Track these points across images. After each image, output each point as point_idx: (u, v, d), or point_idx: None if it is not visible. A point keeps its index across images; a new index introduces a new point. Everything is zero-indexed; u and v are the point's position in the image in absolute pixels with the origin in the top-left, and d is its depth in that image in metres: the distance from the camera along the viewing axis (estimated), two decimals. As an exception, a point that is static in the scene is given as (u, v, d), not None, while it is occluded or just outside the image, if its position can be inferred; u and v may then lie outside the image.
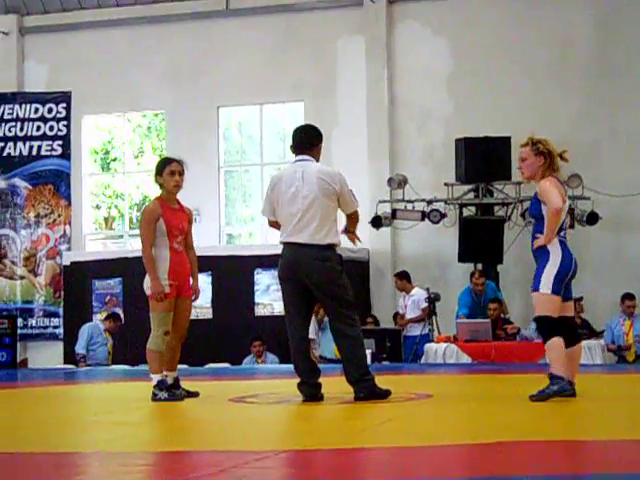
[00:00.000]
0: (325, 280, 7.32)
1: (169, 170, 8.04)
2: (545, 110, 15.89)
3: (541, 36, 16.15)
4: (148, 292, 7.88)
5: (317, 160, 7.54)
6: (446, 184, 15.35)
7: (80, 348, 14.20)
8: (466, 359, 12.65)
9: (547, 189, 7.07)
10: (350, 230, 7.69)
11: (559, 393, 6.91)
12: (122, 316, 14.82)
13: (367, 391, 7.25)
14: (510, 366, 11.61)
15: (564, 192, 7.17)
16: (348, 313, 7.39)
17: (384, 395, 7.29)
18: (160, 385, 7.80)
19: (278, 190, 7.42)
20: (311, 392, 7.36)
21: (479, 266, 14.81)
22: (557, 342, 6.99)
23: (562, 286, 7.04)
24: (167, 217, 7.94)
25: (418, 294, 14.24)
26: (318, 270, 7.29)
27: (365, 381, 7.29)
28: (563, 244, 7.08)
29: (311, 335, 13.79)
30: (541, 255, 7.10)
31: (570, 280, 7.13)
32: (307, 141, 7.54)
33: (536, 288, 7.05)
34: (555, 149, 7.21)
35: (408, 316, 14.25)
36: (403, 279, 14.64)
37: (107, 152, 18.90)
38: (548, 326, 7.05)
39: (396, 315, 14.93)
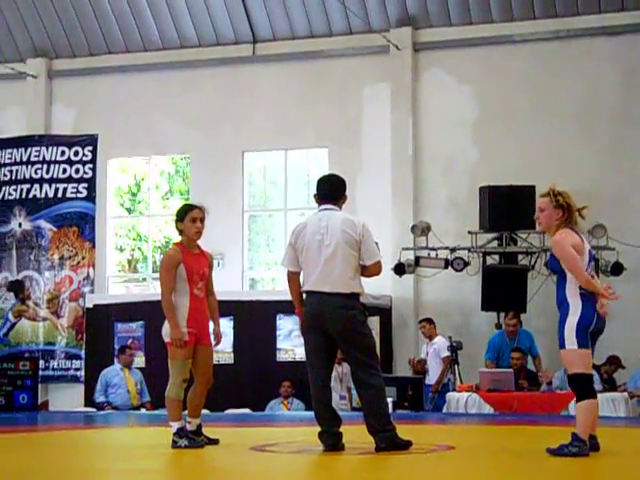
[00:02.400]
0: (348, 328, 7.30)
1: (190, 217, 8.05)
2: (570, 159, 15.87)
3: (566, 85, 16.16)
4: (167, 339, 7.87)
5: (341, 209, 7.57)
6: (470, 232, 15.32)
7: (97, 397, 14.18)
8: (488, 409, 12.55)
9: (557, 242, 6.97)
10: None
11: (577, 456, 6.72)
12: (144, 360, 14.78)
13: (388, 442, 7.20)
14: (532, 417, 11.52)
15: (581, 241, 7.01)
16: (371, 362, 7.36)
17: (405, 446, 7.24)
18: (180, 432, 7.78)
19: (303, 239, 7.42)
20: (332, 441, 7.32)
21: (514, 319, 14.49)
22: (591, 404, 6.82)
23: (587, 339, 6.83)
24: (188, 263, 7.94)
25: (440, 342, 14.17)
26: (342, 319, 7.28)
27: (386, 431, 7.24)
28: (584, 297, 6.89)
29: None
30: (560, 306, 6.96)
31: (595, 334, 6.97)
32: (333, 191, 7.58)
33: (562, 346, 6.87)
34: (575, 204, 7.11)
35: (430, 364, 14.16)
36: (432, 324, 14.56)
37: (133, 194, 18.99)
38: (582, 383, 6.83)
39: (410, 360, 14.80)
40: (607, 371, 14.08)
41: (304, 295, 7.50)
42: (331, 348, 7.43)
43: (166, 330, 7.86)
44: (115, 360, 15.12)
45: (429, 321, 14.62)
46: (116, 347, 15.52)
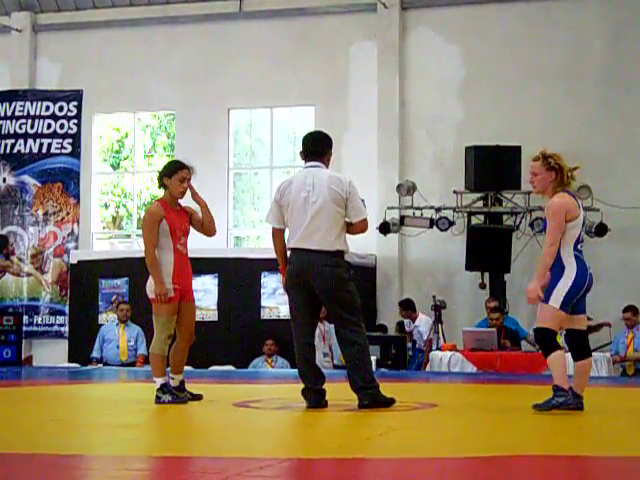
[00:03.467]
0: (333, 286, 7.30)
1: (180, 176, 7.99)
2: (556, 120, 15.87)
3: (554, 45, 16.12)
4: (151, 295, 7.85)
5: (327, 166, 7.54)
6: (455, 192, 15.33)
7: (93, 353, 14.25)
8: (471, 368, 12.63)
9: (551, 205, 7.07)
10: None
11: (564, 406, 6.93)
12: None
13: (371, 399, 7.23)
14: (515, 376, 11.60)
15: (578, 205, 7.14)
16: (354, 320, 7.37)
17: (388, 403, 7.28)
18: (164, 388, 7.79)
19: (288, 195, 7.40)
20: (315, 398, 7.34)
21: (493, 302, 14.44)
22: (558, 355, 7.01)
23: (570, 304, 7.03)
24: (170, 219, 7.91)
25: (422, 323, 14.15)
26: (326, 276, 7.28)
27: (369, 388, 7.27)
28: (579, 260, 7.06)
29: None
30: (555, 268, 7.07)
31: (585, 294, 7.12)
32: (318, 148, 7.54)
33: (547, 300, 7.02)
34: (566, 165, 7.18)
35: (419, 341, 14.16)
36: (407, 309, 14.50)
37: (117, 151, 18.92)
38: (547, 338, 7.07)
39: (402, 325, 14.83)
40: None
41: (289, 252, 7.49)
42: (315, 305, 7.44)
43: (150, 286, 7.85)
44: (100, 318, 15.17)
45: (404, 306, 14.47)
46: (100, 303, 15.54)
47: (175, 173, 8.00)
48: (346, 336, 7.36)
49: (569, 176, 7.16)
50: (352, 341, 7.33)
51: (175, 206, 8.06)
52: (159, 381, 7.82)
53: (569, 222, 7.05)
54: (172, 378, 7.97)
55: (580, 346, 7.23)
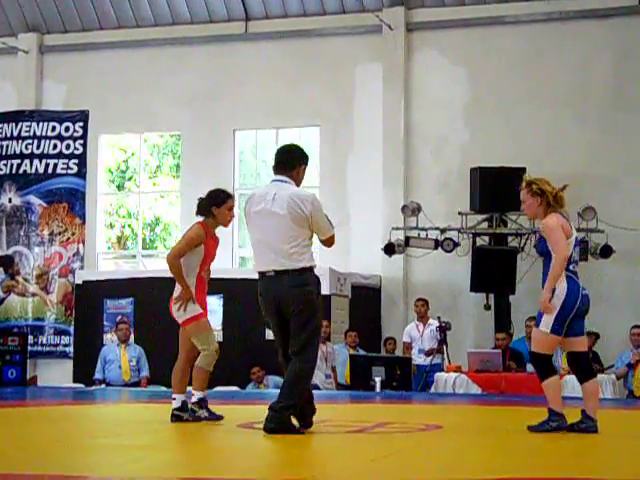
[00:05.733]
0: (302, 308, 7.01)
1: (229, 205, 8.00)
2: (561, 142, 15.90)
3: (559, 68, 16.17)
4: (182, 319, 7.85)
5: (298, 183, 7.17)
6: (460, 213, 15.34)
7: (95, 374, 14.24)
8: (476, 389, 12.61)
9: (546, 224, 7.14)
10: None
11: (557, 430, 7.03)
12: (133, 337, 14.78)
13: (277, 423, 6.92)
14: (520, 398, 11.57)
15: (569, 227, 7.20)
16: (307, 346, 7.07)
17: (295, 432, 6.96)
18: (201, 403, 7.88)
19: (247, 212, 7.18)
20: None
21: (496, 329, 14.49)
22: (552, 381, 7.15)
23: (564, 325, 7.09)
24: (208, 245, 7.96)
25: (434, 324, 14.15)
26: (296, 299, 6.99)
27: (279, 412, 6.94)
28: (571, 280, 7.11)
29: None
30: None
31: (583, 316, 7.16)
32: (288, 161, 7.19)
33: (538, 325, 7.17)
34: (551, 188, 7.24)
35: (426, 344, 14.11)
36: (427, 306, 14.48)
37: (123, 171, 18.96)
38: (542, 363, 7.19)
39: (386, 341, 14.81)
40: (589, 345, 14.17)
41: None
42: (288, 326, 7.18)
43: (177, 312, 7.84)
44: (105, 338, 15.16)
45: (426, 301, 14.55)
46: (105, 323, 15.54)
47: (224, 202, 8.00)
48: (293, 356, 7.13)
49: (556, 198, 7.22)
50: (294, 364, 7.10)
51: (214, 234, 8.08)
52: (197, 395, 7.87)
53: None
54: (173, 398, 7.97)
55: (582, 368, 7.27)
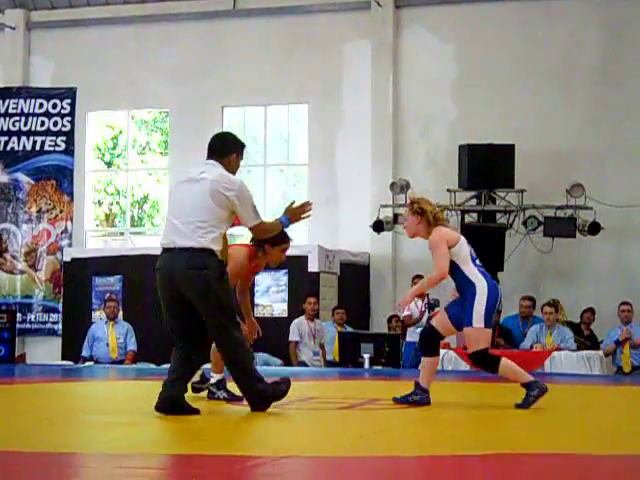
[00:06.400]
0: (201, 291, 6.72)
1: (284, 248, 7.88)
2: (550, 119, 15.90)
3: (547, 44, 16.15)
4: None
5: (232, 172, 6.92)
6: (449, 190, 15.34)
7: (83, 351, 14.21)
8: (464, 366, 12.64)
9: (437, 245, 7.38)
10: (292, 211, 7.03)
11: (541, 394, 7.24)
12: (122, 314, 14.75)
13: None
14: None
15: (454, 234, 7.58)
16: (226, 324, 6.80)
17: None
18: (219, 384, 7.91)
19: (172, 185, 7.13)
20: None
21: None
22: (505, 362, 7.36)
23: (492, 317, 7.39)
24: (244, 276, 7.93)
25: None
26: (193, 281, 6.70)
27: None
28: (484, 274, 7.45)
29: (295, 337, 13.80)
30: (466, 288, 7.42)
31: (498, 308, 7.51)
32: (220, 148, 6.96)
33: (469, 323, 7.32)
34: (431, 208, 7.51)
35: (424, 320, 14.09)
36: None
37: (113, 148, 18.91)
38: (485, 358, 7.40)
39: (391, 319, 14.81)
40: (586, 321, 14.25)
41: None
42: (185, 306, 6.84)
43: None
44: (94, 315, 15.15)
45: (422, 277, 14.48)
46: (94, 301, 15.54)
47: (281, 245, 7.84)
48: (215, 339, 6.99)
49: (435, 217, 7.47)
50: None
51: (256, 259, 7.91)
52: (216, 377, 7.91)
53: (453, 247, 7.41)
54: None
55: (436, 345, 7.57)
